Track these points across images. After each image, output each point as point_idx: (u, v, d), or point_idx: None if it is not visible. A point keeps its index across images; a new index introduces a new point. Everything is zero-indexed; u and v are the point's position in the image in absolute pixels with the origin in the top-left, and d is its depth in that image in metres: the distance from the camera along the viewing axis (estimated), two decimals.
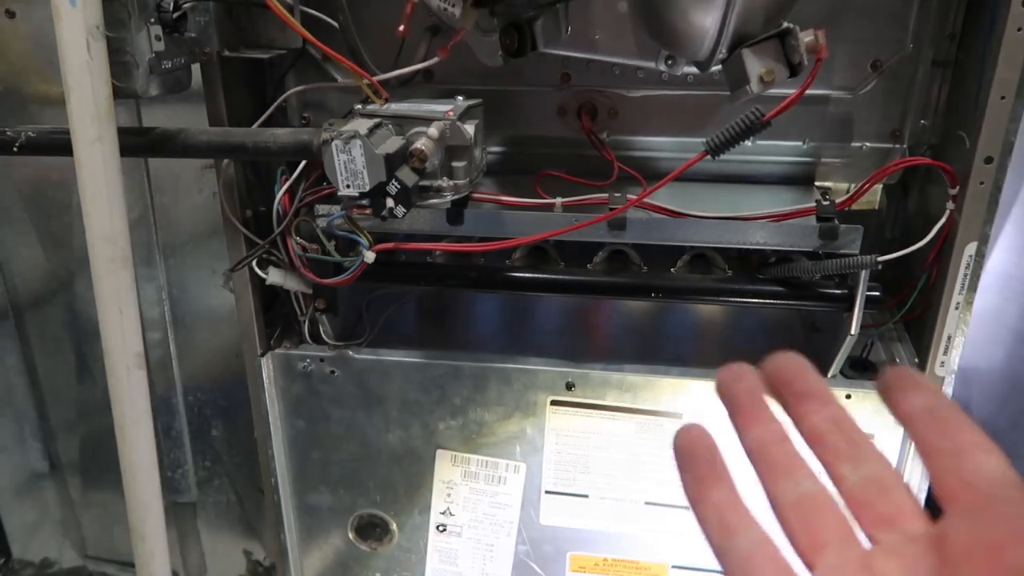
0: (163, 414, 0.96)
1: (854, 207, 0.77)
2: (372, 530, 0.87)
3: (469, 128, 0.61)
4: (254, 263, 0.73)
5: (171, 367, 0.95)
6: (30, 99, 0.84)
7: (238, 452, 0.98)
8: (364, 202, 0.59)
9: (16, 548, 1.12)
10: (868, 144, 0.75)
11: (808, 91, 0.72)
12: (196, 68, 0.68)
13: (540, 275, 0.75)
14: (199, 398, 0.96)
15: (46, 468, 1.06)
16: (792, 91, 0.59)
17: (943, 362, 0.71)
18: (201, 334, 0.93)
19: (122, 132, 0.60)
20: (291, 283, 0.74)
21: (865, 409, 0.73)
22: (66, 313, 0.96)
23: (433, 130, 0.59)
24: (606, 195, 0.70)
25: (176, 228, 0.88)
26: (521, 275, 0.75)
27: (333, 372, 0.79)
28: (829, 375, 0.75)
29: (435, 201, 0.62)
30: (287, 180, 0.70)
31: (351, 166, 0.58)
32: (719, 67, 0.63)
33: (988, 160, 0.64)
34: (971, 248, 0.67)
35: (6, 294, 0.96)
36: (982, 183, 0.65)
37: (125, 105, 0.84)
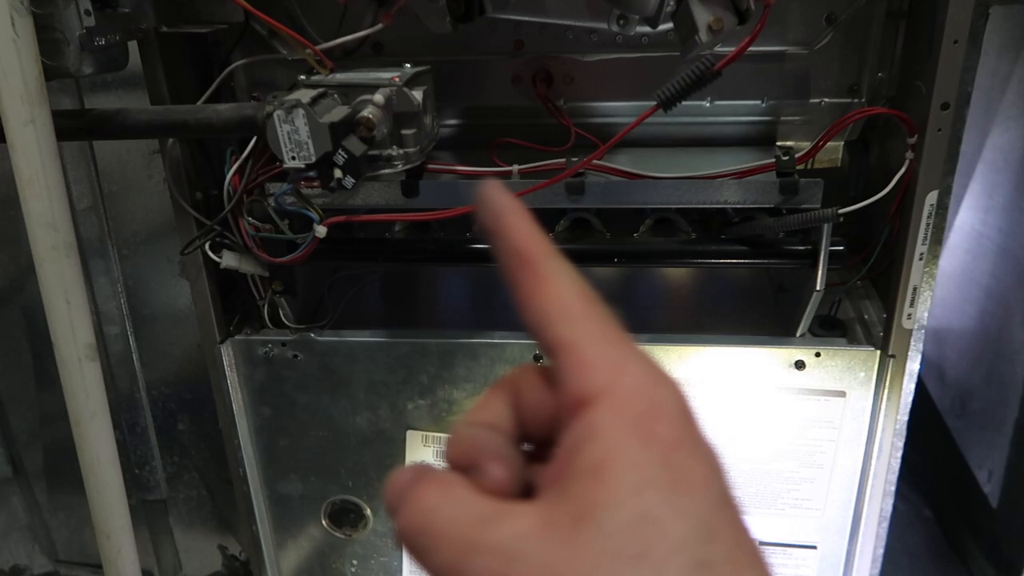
0: (127, 410, 0.94)
1: (816, 166, 0.77)
2: (346, 516, 0.85)
3: (417, 94, 0.60)
4: (207, 247, 0.71)
5: (132, 362, 0.92)
6: None
7: (206, 446, 0.96)
8: (312, 174, 0.57)
9: None
10: (827, 100, 0.75)
11: (763, 48, 0.72)
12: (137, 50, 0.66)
13: None
14: (163, 392, 0.94)
15: (10, 473, 1.03)
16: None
17: (910, 314, 0.71)
18: (161, 326, 0.91)
19: (57, 114, 0.58)
20: (247, 266, 0.72)
21: (836, 367, 0.73)
22: (20, 313, 0.93)
23: (379, 97, 0.58)
24: (563, 160, 0.69)
25: (128, 217, 0.86)
26: (481, 246, 0.73)
27: (296, 356, 0.77)
28: (798, 333, 0.74)
29: (386, 171, 0.61)
30: (236, 159, 0.68)
31: (295, 137, 0.56)
32: (671, 25, 0.62)
33: (944, 106, 0.64)
34: (932, 197, 0.67)
35: None
36: (940, 130, 0.64)
37: (68, 93, 0.82)
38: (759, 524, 0.80)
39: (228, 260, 0.71)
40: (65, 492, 1.04)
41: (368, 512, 0.85)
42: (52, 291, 0.62)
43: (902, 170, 0.67)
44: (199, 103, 0.66)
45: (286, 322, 0.77)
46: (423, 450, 0.81)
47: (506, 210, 0.25)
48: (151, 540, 1.03)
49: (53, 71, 0.57)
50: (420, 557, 0.22)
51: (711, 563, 0.20)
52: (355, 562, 0.88)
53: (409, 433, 0.80)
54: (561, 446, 0.22)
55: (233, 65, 0.67)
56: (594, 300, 0.24)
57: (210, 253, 0.71)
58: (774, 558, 0.81)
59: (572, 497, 0.21)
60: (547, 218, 0.75)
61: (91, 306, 0.89)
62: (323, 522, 0.86)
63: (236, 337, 0.78)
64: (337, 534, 0.87)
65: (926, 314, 0.71)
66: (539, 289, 0.24)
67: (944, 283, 1.29)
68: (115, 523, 0.71)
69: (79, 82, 0.81)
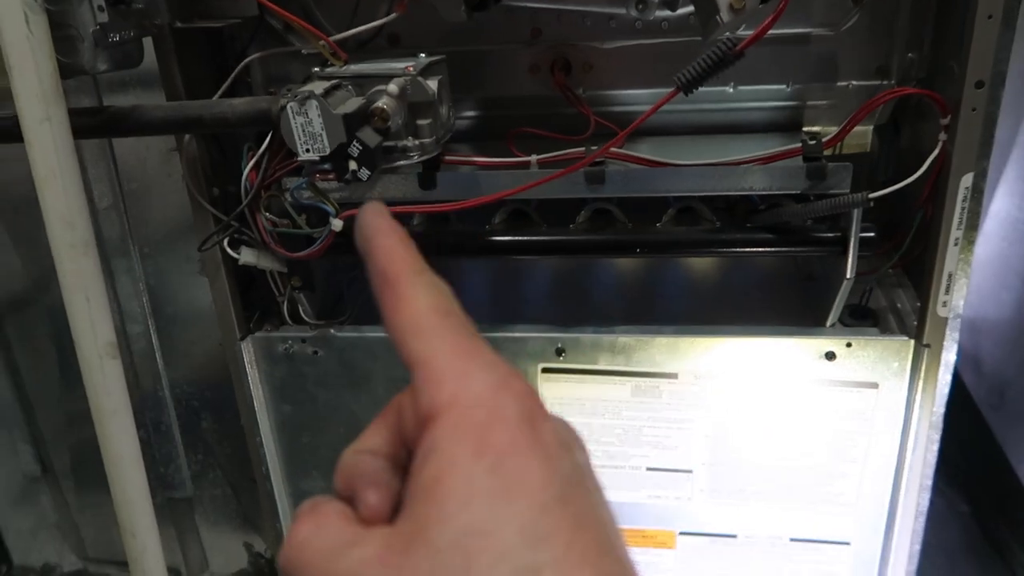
0: (151, 408, 0.94)
1: (844, 151, 0.75)
2: None
3: (432, 84, 0.59)
4: (225, 243, 0.70)
5: (155, 360, 0.93)
6: None
7: (229, 444, 0.96)
8: (327, 167, 0.57)
9: (17, 555, 1.11)
10: (855, 82, 0.72)
11: (788, 30, 0.70)
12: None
13: (520, 237, 0.72)
14: (186, 390, 0.94)
15: (39, 472, 1.05)
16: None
17: (945, 302, 0.68)
18: (183, 324, 0.91)
19: (73, 112, 0.58)
20: (265, 262, 0.72)
21: (868, 357, 0.71)
22: (46, 314, 0.94)
23: (393, 87, 0.57)
24: (583, 149, 0.68)
25: (149, 216, 0.86)
26: (501, 239, 0.72)
27: (316, 352, 0.77)
28: (828, 323, 0.72)
29: (402, 162, 0.60)
30: (253, 155, 0.67)
31: (309, 129, 0.55)
32: (691, 8, 0.61)
33: (979, 85, 0.61)
34: (967, 180, 0.64)
35: None
36: (974, 110, 0.62)
37: (87, 93, 0.82)
38: (789, 520, 0.78)
39: (246, 256, 0.71)
40: (92, 491, 1.05)
41: None
42: (71, 289, 0.62)
43: (935, 152, 0.64)
44: (214, 98, 0.66)
45: (305, 318, 0.76)
46: None
47: (376, 233, 0.26)
48: (178, 538, 1.03)
49: (68, 68, 0.57)
50: None
51: (537, 568, 0.20)
52: None
53: None
54: (413, 464, 0.22)
55: (247, 59, 0.67)
56: (450, 314, 0.24)
57: (228, 250, 0.71)
58: (805, 555, 0.79)
59: (411, 517, 0.21)
60: (568, 209, 0.74)
61: (114, 305, 0.90)
62: None
63: (256, 334, 0.77)
64: None
65: (961, 302, 0.68)
66: (396, 307, 0.24)
67: (980, 271, 1.26)
68: (139, 521, 0.71)
69: (98, 81, 0.81)
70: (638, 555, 0.82)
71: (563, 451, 0.22)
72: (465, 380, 0.23)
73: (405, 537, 0.21)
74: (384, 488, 0.24)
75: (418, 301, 0.24)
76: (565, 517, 0.21)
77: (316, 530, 0.23)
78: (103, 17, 0.57)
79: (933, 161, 0.64)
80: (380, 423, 0.26)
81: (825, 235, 0.70)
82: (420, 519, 0.21)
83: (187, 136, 0.68)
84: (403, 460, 0.25)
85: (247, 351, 0.77)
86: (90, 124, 0.61)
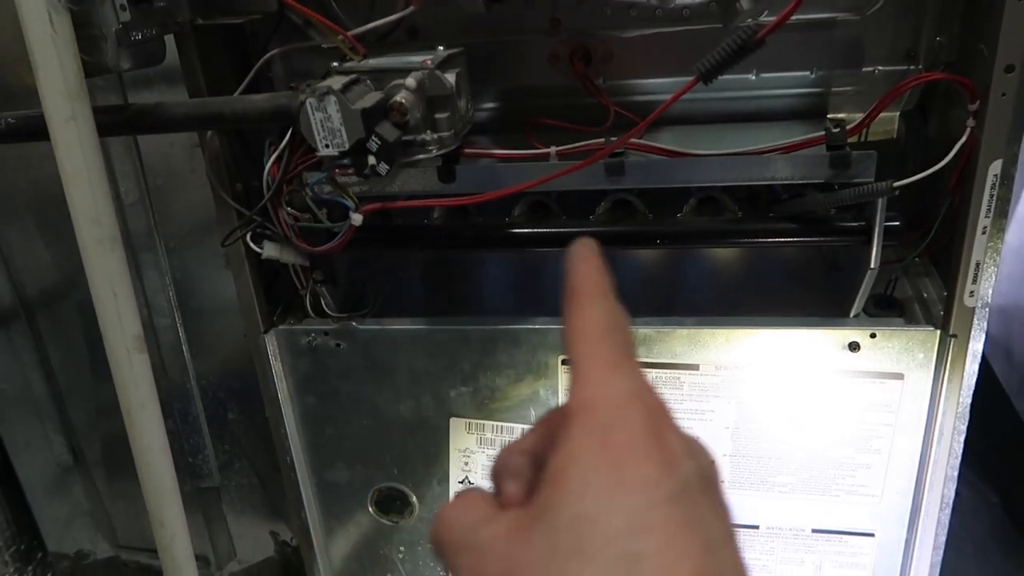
0: (179, 400, 0.96)
1: (872, 138, 0.74)
2: (393, 503, 0.86)
3: (450, 77, 0.59)
4: (248, 238, 0.71)
5: (182, 353, 0.94)
6: (18, 91, 0.83)
7: (255, 434, 0.97)
8: (346, 162, 0.57)
9: (51, 543, 1.14)
10: (881, 68, 0.71)
11: (812, 15, 0.69)
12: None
13: (540, 229, 0.72)
14: (212, 382, 0.96)
15: (71, 462, 1.07)
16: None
17: (972, 292, 0.67)
18: (208, 318, 0.92)
19: (97, 110, 0.59)
20: (288, 256, 0.72)
21: (893, 348, 0.70)
22: (76, 307, 0.96)
23: (411, 80, 0.57)
24: (603, 140, 0.67)
25: (174, 211, 0.87)
26: (520, 231, 0.72)
27: (339, 345, 0.78)
28: (852, 313, 0.71)
29: (421, 156, 0.60)
30: (275, 150, 0.68)
31: (328, 124, 0.56)
32: None
33: (1009, 69, 0.60)
34: (996, 167, 0.63)
35: (14, 292, 0.96)
36: (1004, 95, 0.60)
37: (113, 91, 0.83)
38: (813, 511, 0.77)
39: (269, 251, 0.72)
40: (123, 480, 1.07)
41: (414, 499, 0.85)
42: (99, 284, 0.63)
43: (963, 139, 0.63)
44: (235, 94, 0.66)
45: (328, 311, 0.77)
46: (467, 437, 0.81)
47: (579, 259, 0.30)
48: (206, 527, 1.05)
49: (92, 67, 0.58)
50: (440, 559, 0.27)
51: (641, 555, 0.22)
52: (402, 548, 0.89)
53: (452, 421, 0.80)
54: (550, 453, 0.25)
55: (267, 55, 0.67)
56: (614, 333, 0.27)
57: (251, 244, 0.71)
58: (828, 546, 0.78)
59: (537, 500, 0.24)
60: (588, 200, 0.73)
61: (142, 299, 0.91)
62: (370, 509, 0.87)
63: (280, 327, 0.78)
64: (384, 521, 0.87)
65: (990, 291, 0.67)
66: (572, 317, 0.28)
67: (1011, 259, 1.23)
68: (168, 510, 0.72)
69: (122, 78, 0.82)
70: None
71: (685, 459, 0.24)
72: (605, 386, 0.25)
73: (530, 517, 0.24)
74: (523, 480, 0.27)
75: (590, 315, 0.27)
76: (673, 515, 0.23)
77: (461, 510, 0.27)
78: (125, 16, 0.58)
79: (961, 148, 0.63)
80: (536, 426, 0.30)
81: (849, 224, 0.69)
82: (544, 503, 0.24)
83: (209, 132, 0.69)
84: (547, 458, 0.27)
85: (271, 344, 0.78)
86: (113, 122, 0.62)
